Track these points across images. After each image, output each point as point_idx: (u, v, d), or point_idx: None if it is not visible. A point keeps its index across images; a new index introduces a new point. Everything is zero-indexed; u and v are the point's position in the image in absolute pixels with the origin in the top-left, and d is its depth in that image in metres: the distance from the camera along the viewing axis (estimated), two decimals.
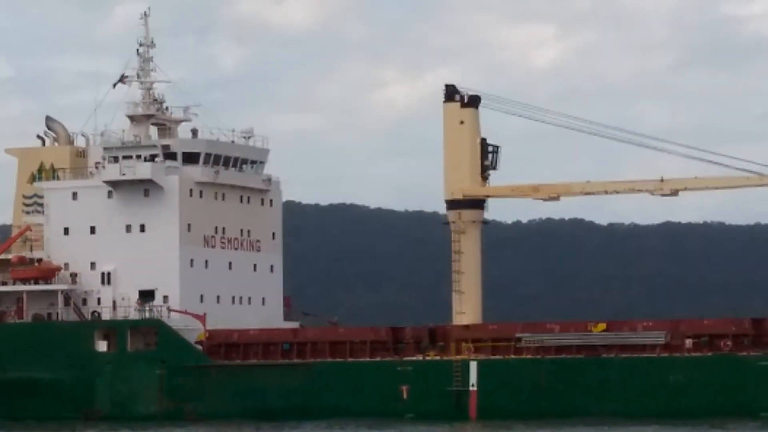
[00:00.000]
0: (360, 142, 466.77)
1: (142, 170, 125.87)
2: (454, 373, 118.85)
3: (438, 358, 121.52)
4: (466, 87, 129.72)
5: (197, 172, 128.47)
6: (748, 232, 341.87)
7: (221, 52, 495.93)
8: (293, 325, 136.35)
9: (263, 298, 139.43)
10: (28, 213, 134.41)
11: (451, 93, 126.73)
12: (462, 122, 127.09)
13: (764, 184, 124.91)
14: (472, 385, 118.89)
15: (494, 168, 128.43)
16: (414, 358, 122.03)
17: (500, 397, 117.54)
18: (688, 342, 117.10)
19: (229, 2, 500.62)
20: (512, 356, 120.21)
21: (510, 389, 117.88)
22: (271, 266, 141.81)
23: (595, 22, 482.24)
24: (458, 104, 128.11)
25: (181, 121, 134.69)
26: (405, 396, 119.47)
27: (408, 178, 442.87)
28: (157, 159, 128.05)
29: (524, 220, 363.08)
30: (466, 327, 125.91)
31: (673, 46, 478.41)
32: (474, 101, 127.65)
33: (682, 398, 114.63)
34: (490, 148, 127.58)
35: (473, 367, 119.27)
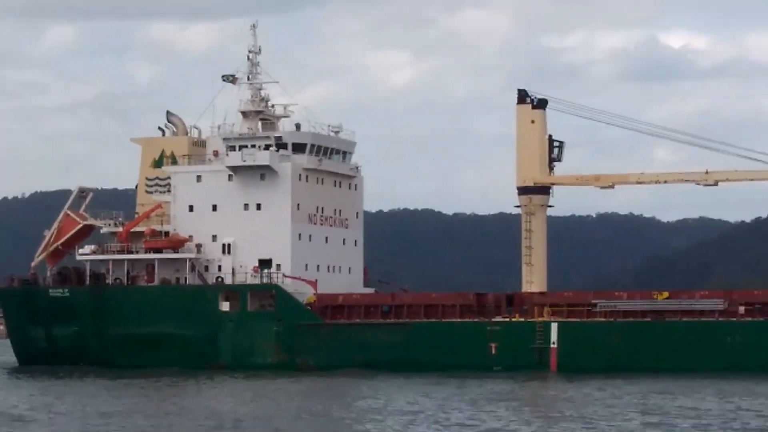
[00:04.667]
0: None
1: (262, 157, 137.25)
2: (537, 333, 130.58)
3: (522, 319, 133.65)
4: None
5: (304, 160, 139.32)
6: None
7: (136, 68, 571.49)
8: (370, 291, 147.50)
9: (349, 268, 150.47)
10: (151, 192, 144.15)
11: (522, 96, 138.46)
12: (533, 121, 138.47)
13: None
14: (553, 343, 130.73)
15: (559, 160, 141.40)
16: (501, 319, 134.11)
17: (578, 354, 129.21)
18: (742, 309, 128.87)
19: (143, 27, 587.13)
20: (587, 319, 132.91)
21: (586, 347, 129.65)
22: (355, 241, 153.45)
23: (441, 49, 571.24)
24: (529, 106, 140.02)
25: (282, 116, 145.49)
26: (493, 352, 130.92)
27: None
28: (271, 148, 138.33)
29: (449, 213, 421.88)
30: (543, 294, 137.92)
31: (504, 70, 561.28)
32: (542, 103, 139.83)
33: (738, 356, 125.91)
34: (556, 143, 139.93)
35: (554, 328, 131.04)
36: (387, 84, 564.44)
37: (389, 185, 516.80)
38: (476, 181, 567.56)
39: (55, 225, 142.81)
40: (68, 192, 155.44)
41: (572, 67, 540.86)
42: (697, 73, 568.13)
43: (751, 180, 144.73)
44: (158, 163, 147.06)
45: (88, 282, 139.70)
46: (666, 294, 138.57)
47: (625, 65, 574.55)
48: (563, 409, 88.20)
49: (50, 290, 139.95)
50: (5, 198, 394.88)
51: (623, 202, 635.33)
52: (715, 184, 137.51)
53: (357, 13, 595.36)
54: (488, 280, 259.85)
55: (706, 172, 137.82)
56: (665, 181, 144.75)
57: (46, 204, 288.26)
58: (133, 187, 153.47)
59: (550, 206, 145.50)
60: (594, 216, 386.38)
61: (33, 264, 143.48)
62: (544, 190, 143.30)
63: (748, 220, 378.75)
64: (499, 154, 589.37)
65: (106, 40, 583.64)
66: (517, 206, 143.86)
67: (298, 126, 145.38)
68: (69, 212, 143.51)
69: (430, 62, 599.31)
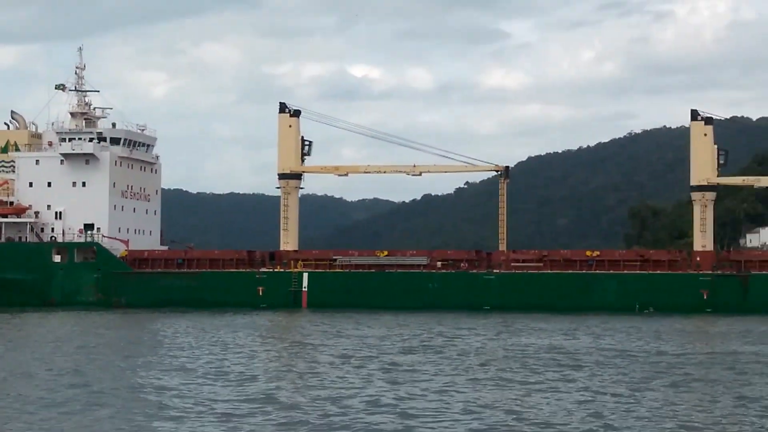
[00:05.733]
0: None
1: (87, 147, 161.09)
2: (293, 280, 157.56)
3: (282, 270, 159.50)
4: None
5: (119, 150, 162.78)
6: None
7: None
8: (165, 248, 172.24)
9: (151, 231, 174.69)
10: None
11: (282, 107, 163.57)
12: (290, 126, 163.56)
13: (475, 170, 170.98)
14: (304, 288, 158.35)
15: (308, 155, 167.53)
16: (267, 270, 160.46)
17: (322, 295, 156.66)
18: (439, 263, 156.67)
19: None
20: (330, 270, 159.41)
21: (329, 291, 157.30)
22: (155, 211, 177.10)
23: (190, 71, 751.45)
24: (287, 114, 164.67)
25: (100, 117, 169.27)
26: (261, 294, 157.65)
27: None
28: (93, 141, 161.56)
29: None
30: (297, 251, 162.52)
31: (236, 89, 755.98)
32: (297, 113, 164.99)
33: (437, 298, 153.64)
34: (306, 143, 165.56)
35: (305, 276, 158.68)
36: (149, 96, 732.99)
37: None
38: (214, 169, 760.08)
39: None
40: None
41: (285, 89, 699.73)
42: (373, 95, 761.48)
43: (445, 172, 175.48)
44: (4, 150, 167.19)
45: None
46: (386, 252, 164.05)
47: (322, 89, 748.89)
48: (299, 331, 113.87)
49: None
50: None
51: (316, 185, 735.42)
52: (420, 174, 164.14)
53: (127, 43, 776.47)
54: (232, 242, 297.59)
55: (414, 166, 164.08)
56: (384, 171, 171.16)
57: None
58: None
59: (302, 188, 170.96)
60: (299, 196, 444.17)
61: None
62: (297, 176, 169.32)
63: (407, 200, 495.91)
64: (232, 149, 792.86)
65: None
66: (278, 187, 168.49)
67: (114, 125, 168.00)
68: None
69: (180, 81, 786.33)
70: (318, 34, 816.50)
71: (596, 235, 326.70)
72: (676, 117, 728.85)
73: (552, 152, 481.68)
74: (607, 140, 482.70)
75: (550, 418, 50.13)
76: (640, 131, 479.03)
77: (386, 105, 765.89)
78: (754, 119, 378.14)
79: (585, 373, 71.03)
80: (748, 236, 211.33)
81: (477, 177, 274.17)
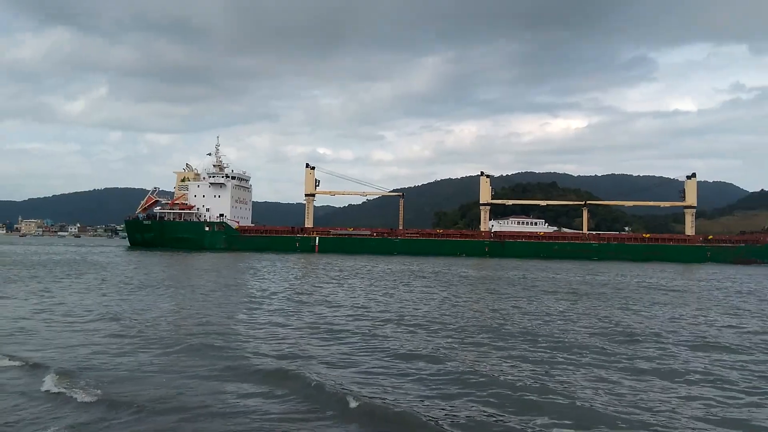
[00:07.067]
0: None
1: (221, 180, 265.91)
2: (311, 239, 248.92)
3: (307, 235, 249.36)
4: None
5: (235, 182, 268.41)
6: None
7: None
8: (253, 225, 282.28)
9: (248, 218, 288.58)
10: (180, 190, 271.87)
11: (308, 164, 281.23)
12: (310, 173, 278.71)
13: (388, 194, 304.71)
14: (317, 243, 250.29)
15: (318, 186, 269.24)
16: (299, 235, 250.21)
17: (325, 247, 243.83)
18: (375, 234, 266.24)
19: None
20: (328, 236, 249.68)
21: (328, 245, 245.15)
22: (249, 209, 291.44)
23: (245, 149, 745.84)
24: (310, 168, 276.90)
25: (226, 167, 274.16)
26: (297, 246, 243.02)
27: None
28: (223, 177, 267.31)
29: None
30: (312, 227, 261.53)
31: (265, 157, 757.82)
32: (313, 168, 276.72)
33: (373, 249, 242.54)
34: (318, 180, 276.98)
35: (317, 239, 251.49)
36: (227, 159, 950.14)
37: None
38: (256, 191, 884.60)
39: None
40: None
41: (288, 157, 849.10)
42: (327, 161, 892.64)
43: (376, 196, 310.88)
44: (183, 180, 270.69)
45: None
46: (352, 229, 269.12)
47: (305, 158, 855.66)
48: (316, 261, 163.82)
49: None
50: None
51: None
52: (366, 196, 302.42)
53: (219, 134, 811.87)
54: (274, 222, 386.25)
55: (364, 193, 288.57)
56: (350, 194, 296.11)
57: None
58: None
59: (314, 201, 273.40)
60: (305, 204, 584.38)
61: None
62: (313, 195, 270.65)
63: (340, 206, 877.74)
64: (262, 184, 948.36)
65: None
66: (304, 201, 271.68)
67: (232, 170, 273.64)
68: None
69: (241, 153, 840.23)
70: (303, 133, 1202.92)
71: (420, 224, 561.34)
72: (455, 173, 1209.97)
73: (402, 188, 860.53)
74: (426, 183, 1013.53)
75: (404, 296, 79.76)
76: (440, 179, 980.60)
77: (332, 166, 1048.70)
78: (496, 176, 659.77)
79: (422, 281, 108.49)
80: (489, 223, 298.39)
81: (375, 196, 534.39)
